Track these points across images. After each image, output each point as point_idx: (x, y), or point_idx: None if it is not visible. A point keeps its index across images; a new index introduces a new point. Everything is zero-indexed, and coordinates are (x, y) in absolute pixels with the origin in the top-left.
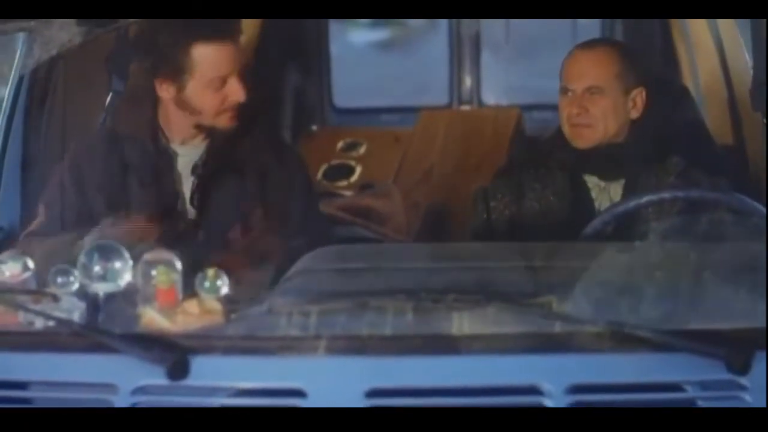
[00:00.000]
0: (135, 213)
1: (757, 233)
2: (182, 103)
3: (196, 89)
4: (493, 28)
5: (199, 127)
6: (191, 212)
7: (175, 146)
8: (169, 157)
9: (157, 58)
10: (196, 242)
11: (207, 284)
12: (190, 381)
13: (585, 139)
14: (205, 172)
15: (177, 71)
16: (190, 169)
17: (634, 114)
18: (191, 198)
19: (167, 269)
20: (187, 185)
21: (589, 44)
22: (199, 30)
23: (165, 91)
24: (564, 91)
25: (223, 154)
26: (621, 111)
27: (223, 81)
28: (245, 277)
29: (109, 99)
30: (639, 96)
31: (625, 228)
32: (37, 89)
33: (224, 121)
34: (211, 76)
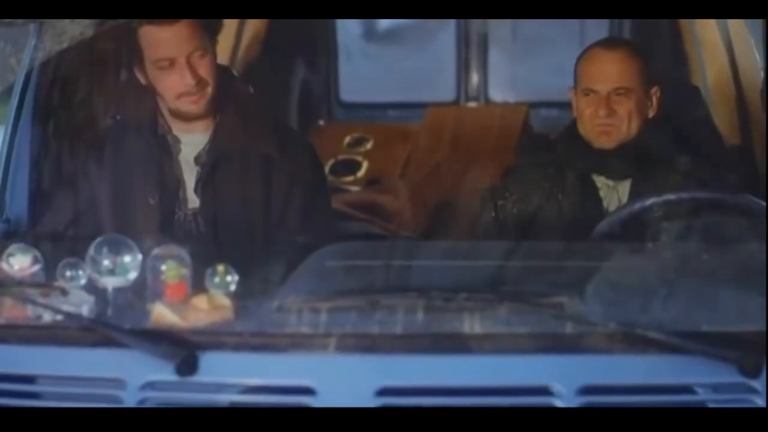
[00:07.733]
0: (138, 204)
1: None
2: (150, 88)
3: (152, 71)
4: (500, 24)
5: (173, 113)
6: (194, 201)
7: (178, 134)
8: (169, 146)
9: (128, 43)
10: (199, 233)
11: (216, 280)
12: (199, 377)
13: (610, 139)
14: (208, 161)
15: (135, 53)
16: (193, 158)
17: (652, 113)
18: (195, 188)
19: (177, 264)
20: (190, 174)
21: (607, 44)
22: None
23: (140, 75)
24: (586, 92)
25: (229, 144)
26: (643, 110)
27: (171, 63)
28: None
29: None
30: (656, 95)
31: (634, 228)
32: (47, 81)
33: (186, 105)
34: (156, 56)
